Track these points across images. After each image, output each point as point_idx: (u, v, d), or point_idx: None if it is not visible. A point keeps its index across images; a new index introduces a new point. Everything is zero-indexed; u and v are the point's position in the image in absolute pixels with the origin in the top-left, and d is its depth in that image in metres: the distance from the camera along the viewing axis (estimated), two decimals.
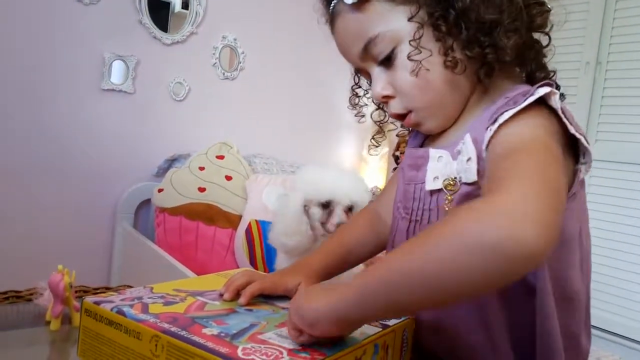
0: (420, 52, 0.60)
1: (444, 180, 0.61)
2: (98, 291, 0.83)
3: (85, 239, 1.97)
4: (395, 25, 0.62)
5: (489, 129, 0.55)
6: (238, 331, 0.51)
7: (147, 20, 2.01)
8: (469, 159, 0.57)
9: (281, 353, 0.46)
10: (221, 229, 1.83)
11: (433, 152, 0.63)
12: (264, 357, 0.45)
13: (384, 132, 0.77)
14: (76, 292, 0.78)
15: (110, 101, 1.98)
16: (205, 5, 2.14)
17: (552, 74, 0.66)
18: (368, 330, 0.55)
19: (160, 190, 1.88)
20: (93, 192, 1.98)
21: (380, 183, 2.62)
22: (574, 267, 0.61)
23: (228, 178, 1.93)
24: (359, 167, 2.74)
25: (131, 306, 0.55)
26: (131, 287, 0.73)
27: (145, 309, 0.55)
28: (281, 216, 1.17)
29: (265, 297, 0.64)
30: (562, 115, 0.54)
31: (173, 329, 0.50)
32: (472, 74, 0.62)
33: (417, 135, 0.74)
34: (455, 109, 0.65)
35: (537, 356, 0.60)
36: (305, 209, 1.15)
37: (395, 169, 2.53)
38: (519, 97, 0.55)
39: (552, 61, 0.67)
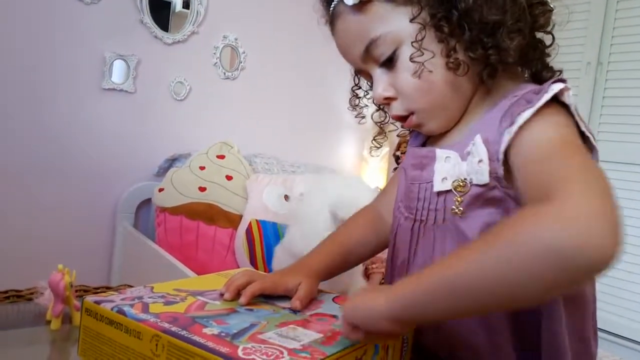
0: (423, 54, 0.60)
1: (454, 182, 0.60)
2: (98, 291, 0.83)
3: (85, 238, 1.97)
4: (397, 26, 0.61)
5: (507, 130, 0.54)
6: (238, 331, 0.51)
7: (148, 19, 2.01)
8: (480, 161, 0.57)
9: (282, 353, 0.46)
10: (222, 229, 1.83)
11: (440, 152, 0.63)
12: (264, 356, 0.45)
13: (385, 133, 0.76)
14: (76, 291, 0.78)
15: (111, 101, 1.98)
16: (206, 5, 2.14)
17: (558, 73, 0.66)
18: None
19: (160, 190, 1.88)
20: (93, 192, 1.98)
21: (381, 183, 2.62)
22: None
23: (229, 178, 1.92)
24: (359, 167, 2.74)
25: (132, 306, 0.55)
26: (131, 286, 0.73)
27: (145, 308, 0.55)
28: (305, 223, 1.14)
29: (266, 297, 0.64)
30: (575, 112, 0.54)
31: (173, 328, 0.50)
32: (475, 75, 0.61)
33: (419, 135, 0.73)
34: (457, 110, 0.64)
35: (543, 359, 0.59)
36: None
37: (395, 169, 2.53)
38: (531, 95, 0.55)
39: (552, 61, 0.67)
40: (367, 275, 1.45)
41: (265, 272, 1.70)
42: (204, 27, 2.16)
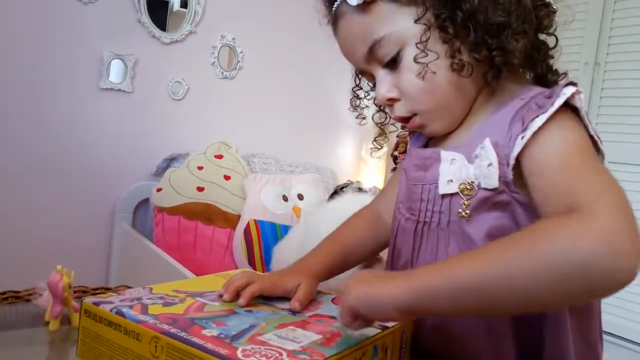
0: (427, 55, 0.59)
1: (460, 185, 0.59)
2: (97, 291, 0.83)
3: (83, 238, 1.97)
4: (401, 27, 0.61)
5: (520, 136, 0.54)
6: (238, 332, 0.51)
7: (146, 19, 2.01)
8: (490, 165, 0.57)
9: (281, 354, 0.46)
10: (220, 229, 1.83)
11: (445, 154, 0.62)
12: (263, 358, 0.45)
13: (386, 134, 0.76)
14: (75, 292, 0.78)
15: (109, 100, 1.97)
16: (204, 4, 2.14)
17: (563, 75, 0.65)
18: (367, 331, 0.55)
19: (158, 190, 1.88)
20: (91, 191, 1.98)
21: (379, 184, 2.62)
22: None
23: (227, 178, 1.92)
24: (357, 168, 2.74)
25: (131, 307, 0.55)
26: (130, 287, 0.73)
27: (144, 309, 0.55)
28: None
29: (265, 298, 0.63)
30: (585, 116, 0.55)
31: (173, 330, 0.50)
32: (479, 76, 0.61)
33: (420, 135, 0.73)
34: (461, 111, 0.64)
35: None
36: None
37: (394, 169, 2.53)
38: (542, 99, 0.55)
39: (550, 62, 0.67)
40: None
41: (263, 272, 1.70)
42: (201, 27, 2.16)
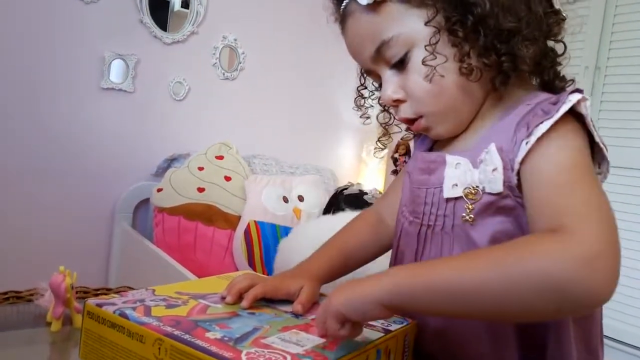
0: (436, 57, 0.59)
1: (465, 189, 0.60)
2: (99, 292, 0.83)
3: (83, 238, 1.97)
4: (410, 28, 0.60)
5: (524, 141, 0.54)
6: (241, 335, 0.51)
7: (147, 19, 2.01)
8: (494, 169, 0.57)
9: (285, 358, 0.46)
10: (220, 230, 1.82)
11: (450, 158, 0.62)
12: None
13: (390, 134, 0.75)
14: (76, 292, 0.78)
15: (110, 100, 1.97)
16: (206, 5, 2.14)
17: (570, 82, 0.65)
18: (371, 335, 0.55)
19: (159, 190, 1.88)
20: (92, 191, 1.97)
21: (379, 185, 2.62)
22: None
23: (227, 178, 1.92)
24: (357, 169, 2.74)
25: (134, 309, 0.55)
26: (131, 288, 0.72)
27: (147, 311, 0.55)
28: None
29: (267, 301, 0.63)
30: (590, 123, 0.55)
31: (176, 332, 0.50)
32: (487, 81, 0.61)
33: (426, 139, 0.73)
34: (467, 115, 0.64)
35: None
36: None
37: (394, 171, 2.53)
38: (548, 105, 0.55)
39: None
40: None
41: (263, 273, 1.70)
42: (203, 28, 2.16)
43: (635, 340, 1.94)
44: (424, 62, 0.59)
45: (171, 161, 2.07)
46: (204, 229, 1.81)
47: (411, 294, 0.49)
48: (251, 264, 1.77)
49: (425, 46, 0.59)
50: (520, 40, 0.57)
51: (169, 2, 2.10)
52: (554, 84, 0.65)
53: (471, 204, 0.59)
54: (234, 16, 2.24)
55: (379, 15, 0.61)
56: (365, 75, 0.71)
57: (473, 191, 0.59)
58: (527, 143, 0.54)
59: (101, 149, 1.97)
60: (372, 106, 0.75)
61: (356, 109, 0.75)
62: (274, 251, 1.72)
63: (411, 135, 0.76)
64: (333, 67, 2.44)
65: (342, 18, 0.66)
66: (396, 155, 2.51)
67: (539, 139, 0.53)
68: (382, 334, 0.56)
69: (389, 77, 0.64)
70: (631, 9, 2.03)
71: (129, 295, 0.60)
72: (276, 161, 2.25)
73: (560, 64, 0.64)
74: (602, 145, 0.56)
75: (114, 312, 0.54)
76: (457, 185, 0.61)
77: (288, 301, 0.64)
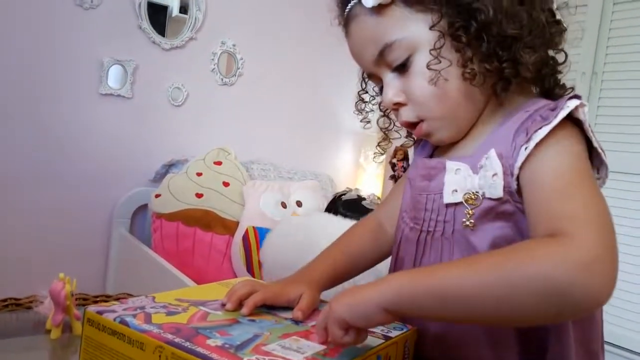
0: (440, 62, 0.59)
1: (465, 194, 0.60)
2: (98, 299, 0.83)
3: (81, 243, 1.96)
4: (414, 32, 0.61)
5: (523, 147, 0.55)
6: (242, 342, 0.51)
7: (146, 25, 2.01)
8: (494, 175, 0.57)
9: None
10: (218, 235, 1.82)
11: (450, 164, 0.62)
12: None
13: (390, 139, 0.75)
14: (76, 299, 0.78)
15: (108, 106, 1.98)
16: (204, 11, 2.14)
17: (570, 90, 0.66)
18: (371, 342, 0.55)
19: (157, 196, 1.88)
20: (90, 197, 1.97)
21: (377, 190, 2.62)
22: None
23: (225, 184, 1.92)
24: (356, 175, 2.74)
25: (134, 316, 0.55)
26: (130, 295, 0.72)
27: (148, 319, 0.55)
28: None
29: (267, 307, 0.63)
30: (589, 129, 0.55)
31: (177, 339, 0.50)
32: (489, 87, 0.61)
33: (426, 145, 0.73)
34: (468, 120, 0.64)
35: None
36: None
37: (392, 176, 2.53)
38: (547, 111, 0.55)
39: None
40: None
41: (261, 279, 1.69)
42: (201, 33, 2.16)
43: (634, 345, 1.94)
44: (428, 66, 0.60)
45: (169, 167, 2.07)
46: (202, 234, 1.81)
47: (412, 299, 0.49)
48: (249, 269, 1.77)
49: (430, 50, 0.60)
50: (522, 47, 0.58)
51: (167, 7, 2.11)
52: (554, 92, 0.65)
53: (471, 210, 0.60)
54: (232, 22, 2.24)
55: (384, 18, 0.61)
56: (366, 79, 0.72)
57: (473, 196, 0.59)
58: (526, 148, 0.55)
59: (99, 154, 1.97)
60: (373, 111, 0.75)
61: (357, 113, 0.75)
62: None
63: (411, 143, 0.76)
64: (331, 72, 2.45)
65: (346, 21, 0.66)
66: (394, 161, 2.51)
67: (538, 145, 0.54)
68: (382, 341, 0.56)
69: (390, 80, 0.64)
70: (627, 15, 2.04)
71: (129, 303, 0.60)
72: (274, 167, 2.26)
73: (560, 72, 0.65)
74: (600, 150, 0.57)
75: (115, 320, 0.54)
76: (457, 190, 0.61)
77: (288, 308, 0.64)
